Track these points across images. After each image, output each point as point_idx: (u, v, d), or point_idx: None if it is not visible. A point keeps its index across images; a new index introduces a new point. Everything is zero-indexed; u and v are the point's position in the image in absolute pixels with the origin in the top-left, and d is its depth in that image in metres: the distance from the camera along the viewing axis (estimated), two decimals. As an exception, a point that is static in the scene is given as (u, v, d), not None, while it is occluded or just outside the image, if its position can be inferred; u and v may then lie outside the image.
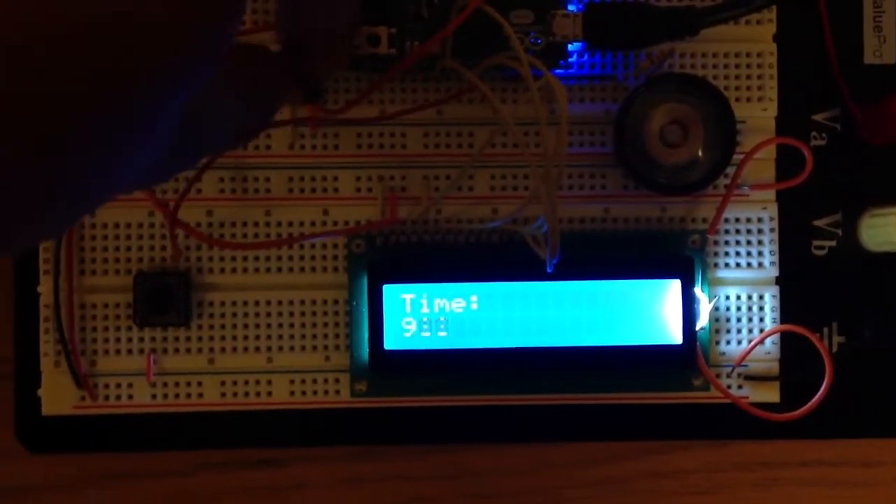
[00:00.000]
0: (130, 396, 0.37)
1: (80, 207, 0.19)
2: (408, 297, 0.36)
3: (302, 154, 0.37)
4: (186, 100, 0.19)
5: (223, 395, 0.38)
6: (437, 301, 0.36)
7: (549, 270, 0.35)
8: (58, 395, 0.37)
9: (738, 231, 0.38)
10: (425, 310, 0.36)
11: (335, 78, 0.37)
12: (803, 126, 0.38)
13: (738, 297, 0.38)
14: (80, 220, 0.19)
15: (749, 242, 0.38)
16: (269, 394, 0.38)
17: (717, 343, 0.38)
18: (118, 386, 0.37)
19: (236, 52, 0.24)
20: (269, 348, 0.37)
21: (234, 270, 0.37)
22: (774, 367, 0.38)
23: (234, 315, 0.37)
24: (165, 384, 0.37)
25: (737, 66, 0.38)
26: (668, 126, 0.36)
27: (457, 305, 0.36)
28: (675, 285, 0.36)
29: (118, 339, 0.37)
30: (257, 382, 0.38)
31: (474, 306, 0.36)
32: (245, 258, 0.37)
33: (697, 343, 0.36)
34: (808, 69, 0.38)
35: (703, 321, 0.37)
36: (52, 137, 0.16)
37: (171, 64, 0.18)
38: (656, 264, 0.36)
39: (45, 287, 0.37)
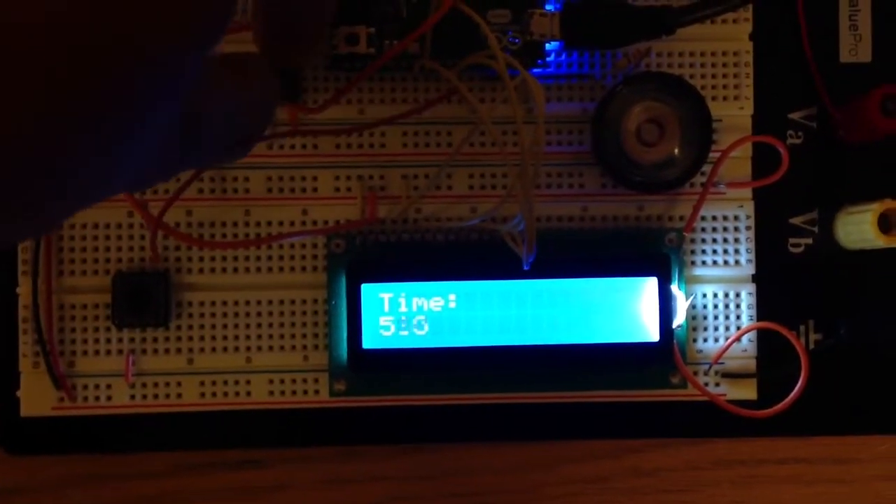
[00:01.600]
0: (109, 397, 0.37)
1: (79, 199, 0.19)
2: (386, 296, 0.36)
3: (281, 154, 0.38)
4: (183, 91, 0.19)
5: (202, 395, 0.38)
6: (415, 300, 0.36)
7: (525, 268, 0.35)
8: (36, 397, 0.37)
9: (714, 229, 0.38)
10: (403, 309, 0.36)
11: (314, 77, 0.37)
12: (779, 124, 0.38)
13: (715, 295, 0.38)
14: (73, 215, 0.20)
15: (726, 240, 0.38)
16: (248, 394, 0.38)
17: (695, 341, 0.38)
18: (97, 387, 0.37)
19: (227, 60, 0.24)
20: (248, 348, 0.37)
21: (213, 270, 0.37)
22: (751, 365, 0.38)
23: (213, 315, 0.37)
24: (144, 385, 0.37)
25: (713, 65, 0.38)
26: (644, 124, 0.36)
27: (435, 304, 0.36)
28: (652, 283, 0.36)
29: (97, 340, 0.37)
30: (236, 383, 0.38)
31: (452, 305, 0.36)
32: (224, 258, 0.37)
33: (675, 341, 0.37)
34: (784, 68, 0.38)
35: (680, 319, 0.37)
36: (55, 121, 0.17)
37: (169, 46, 0.18)
38: (633, 262, 0.37)
39: (23, 288, 0.37)
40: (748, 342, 0.38)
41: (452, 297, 0.36)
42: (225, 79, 0.23)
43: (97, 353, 0.37)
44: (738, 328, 0.38)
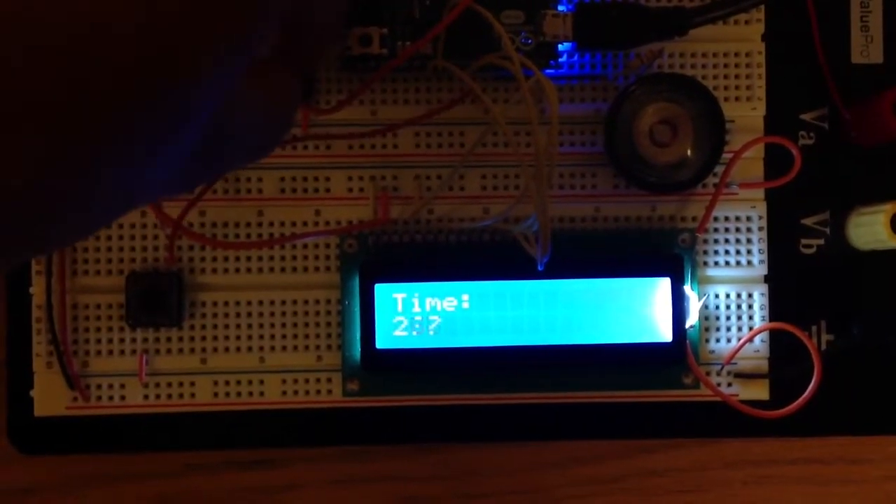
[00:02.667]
0: (123, 397, 0.37)
1: (107, 211, 0.19)
2: (399, 296, 0.36)
3: (294, 154, 0.38)
4: (217, 101, 0.19)
5: (215, 395, 0.38)
6: (428, 300, 0.36)
7: (540, 269, 0.35)
8: (50, 396, 0.37)
9: (727, 229, 0.38)
10: (417, 309, 0.36)
11: (327, 78, 0.37)
12: (791, 125, 0.38)
13: (728, 296, 0.38)
14: (101, 227, 0.20)
15: (738, 241, 0.38)
16: (262, 394, 0.38)
17: (707, 341, 0.38)
18: (110, 386, 0.37)
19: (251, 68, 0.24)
20: (262, 348, 0.38)
21: (226, 270, 0.38)
22: (763, 365, 0.38)
23: (227, 315, 0.38)
24: (158, 384, 0.38)
25: (726, 66, 0.38)
26: (657, 125, 0.36)
27: (448, 304, 0.36)
28: (664, 283, 0.36)
29: (110, 340, 0.37)
30: (249, 382, 0.38)
31: (466, 305, 0.36)
32: (237, 258, 0.38)
33: (687, 341, 0.37)
34: (796, 69, 0.38)
35: (692, 319, 0.37)
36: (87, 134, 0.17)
37: (207, 58, 0.18)
38: (646, 263, 0.37)
39: (37, 288, 0.37)
40: (760, 343, 0.38)
41: (465, 297, 0.36)
42: (249, 87, 0.23)
43: (111, 352, 0.37)
44: (751, 329, 0.38)
